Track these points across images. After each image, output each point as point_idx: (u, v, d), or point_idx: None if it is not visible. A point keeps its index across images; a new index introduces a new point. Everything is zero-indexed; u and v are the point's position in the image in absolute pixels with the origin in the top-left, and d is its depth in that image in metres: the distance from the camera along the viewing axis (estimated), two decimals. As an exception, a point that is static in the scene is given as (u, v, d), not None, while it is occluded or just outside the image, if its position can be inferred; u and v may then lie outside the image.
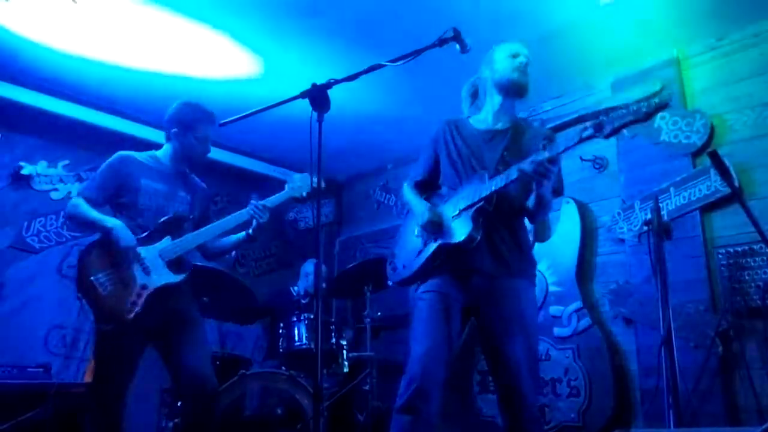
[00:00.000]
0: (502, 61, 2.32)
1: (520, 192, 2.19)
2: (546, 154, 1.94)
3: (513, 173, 2.03)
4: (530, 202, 2.18)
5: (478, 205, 2.10)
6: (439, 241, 2.17)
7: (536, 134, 2.30)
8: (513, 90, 2.29)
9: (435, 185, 2.46)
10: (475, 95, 2.47)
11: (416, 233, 2.33)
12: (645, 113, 1.78)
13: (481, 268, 2.14)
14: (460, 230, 2.12)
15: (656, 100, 1.78)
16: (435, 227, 2.20)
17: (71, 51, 3.66)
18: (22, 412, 2.93)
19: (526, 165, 1.98)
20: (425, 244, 2.24)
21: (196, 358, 2.56)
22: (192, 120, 2.71)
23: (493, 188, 2.07)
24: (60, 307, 4.07)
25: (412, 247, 2.33)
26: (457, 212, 2.16)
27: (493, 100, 2.34)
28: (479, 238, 2.09)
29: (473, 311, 2.21)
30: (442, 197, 2.36)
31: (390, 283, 2.45)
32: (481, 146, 2.29)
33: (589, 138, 1.92)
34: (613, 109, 1.87)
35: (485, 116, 2.37)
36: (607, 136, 1.91)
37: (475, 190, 2.13)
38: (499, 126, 2.33)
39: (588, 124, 1.90)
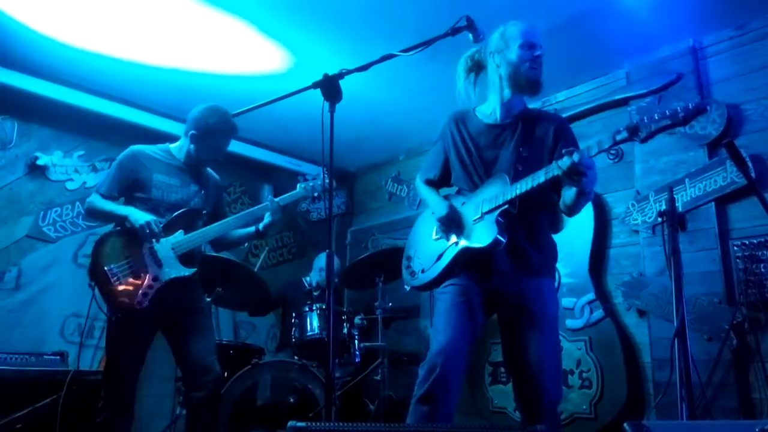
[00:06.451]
0: (514, 51, 2.14)
1: (545, 190, 2.06)
2: (577, 158, 1.83)
3: (540, 177, 1.95)
4: (568, 197, 2.05)
5: (502, 209, 2.03)
6: (462, 246, 2.10)
7: (549, 124, 2.19)
8: (528, 88, 2.17)
9: (448, 183, 2.38)
10: (472, 70, 2.32)
11: (434, 236, 2.25)
12: (683, 117, 1.70)
13: (502, 269, 2.09)
14: (484, 234, 2.04)
15: (693, 104, 1.71)
16: (455, 224, 2.15)
17: (88, 43, 3.67)
18: (39, 400, 2.97)
19: (555, 169, 1.90)
20: (446, 248, 2.17)
21: (201, 348, 2.62)
22: (213, 129, 2.73)
23: (518, 192, 1.99)
24: (76, 295, 4.11)
25: (430, 250, 2.25)
26: (480, 215, 2.08)
27: (503, 93, 2.20)
28: (505, 241, 2.02)
29: (495, 307, 2.17)
30: (459, 198, 2.26)
31: (407, 287, 2.36)
32: (492, 143, 2.20)
33: (623, 141, 1.81)
34: (648, 117, 1.78)
35: (492, 109, 2.25)
36: (643, 140, 1.81)
37: (498, 193, 2.05)
38: (508, 120, 2.21)
39: (622, 127, 1.80)
